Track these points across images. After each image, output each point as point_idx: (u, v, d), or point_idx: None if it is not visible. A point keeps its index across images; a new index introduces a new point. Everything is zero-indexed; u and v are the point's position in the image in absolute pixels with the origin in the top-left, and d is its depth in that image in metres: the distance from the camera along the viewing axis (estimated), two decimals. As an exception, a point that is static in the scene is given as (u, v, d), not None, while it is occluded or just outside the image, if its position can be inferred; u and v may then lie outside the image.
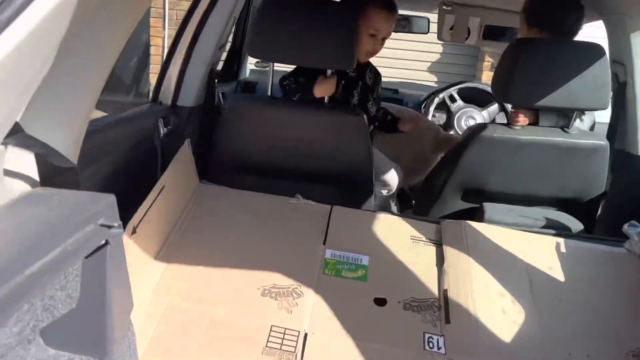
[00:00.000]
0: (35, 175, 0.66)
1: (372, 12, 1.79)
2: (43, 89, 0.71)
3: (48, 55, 0.58)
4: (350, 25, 1.54)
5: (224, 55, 3.23)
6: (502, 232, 1.49)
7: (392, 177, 2.18)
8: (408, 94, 3.11)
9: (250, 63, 3.33)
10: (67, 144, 0.75)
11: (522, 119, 1.68)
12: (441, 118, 3.08)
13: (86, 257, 0.67)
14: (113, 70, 0.86)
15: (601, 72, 1.53)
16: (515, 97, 1.56)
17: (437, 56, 6.83)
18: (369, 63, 2.02)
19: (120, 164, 1.45)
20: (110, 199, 0.68)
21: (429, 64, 6.85)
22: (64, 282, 0.65)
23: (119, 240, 0.70)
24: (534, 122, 1.70)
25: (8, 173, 0.60)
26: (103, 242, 0.63)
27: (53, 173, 0.68)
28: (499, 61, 1.65)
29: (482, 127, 1.66)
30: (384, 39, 1.87)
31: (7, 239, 0.51)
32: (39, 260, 0.51)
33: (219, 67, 2.98)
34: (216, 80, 2.95)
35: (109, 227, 0.65)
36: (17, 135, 0.57)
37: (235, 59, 3.00)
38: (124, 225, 1.14)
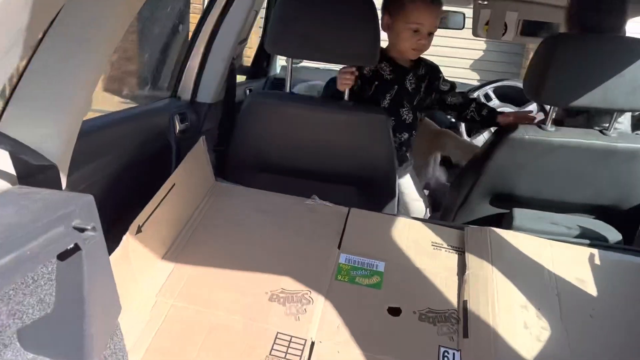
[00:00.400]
0: (11, 171, 0.63)
1: (411, 5, 1.65)
2: (28, 85, 0.68)
3: (20, 37, 0.54)
4: (372, 19, 1.47)
5: (250, 52, 3.22)
6: (530, 240, 1.40)
7: (418, 210, 2.07)
8: None
9: (281, 59, 3.30)
10: (53, 141, 0.72)
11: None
12: None
13: (61, 260, 0.64)
14: (149, 64, 0.82)
15: None
16: (548, 96, 1.46)
17: (480, 53, 6.63)
18: (416, 66, 1.85)
19: (132, 159, 1.44)
20: (87, 199, 0.64)
21: (471, 61, 6.65)
22: (33, 286, 0.61)
23: (97, 244, 0.66)
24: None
25: (-21, 170, 0.58)
26: (72, 245, 0.59)
27: (31, 171, 0.65)
28: (531, 57, 1.55)
29: (512, 127, 1.56)
30: (430, 34, 1.71)
31: None
32: None
33: (249, 63, 2.97)
34: (244, 77, 2.95)
35: (82, 229, 0.61)
36: (-15, 131, 0.54)
37: (264, 55, 2.98)
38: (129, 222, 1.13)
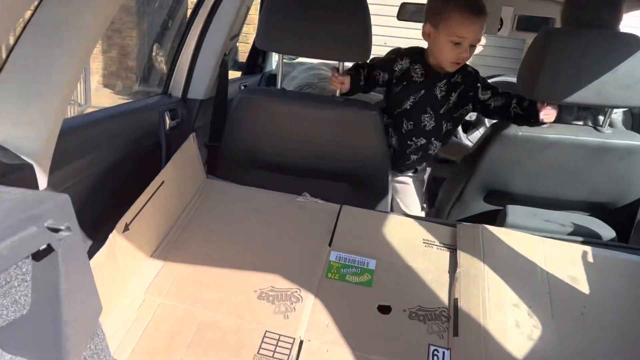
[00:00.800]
0: (-17, 171, 0.62)
1: (452, 17, 1.52)
2: (2, 84, 0.67)
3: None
4: (363, 15, 1.45)
5: (245, 48, 3.20)
6: (522, 237, 1.39)
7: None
8: None
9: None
10: (30, 140, 0.71)
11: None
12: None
13: (37, 261, 0.63)
14: (147, 58, 0.81)
15: (638, 66, 1.39)
16: (542, 92, 1.44)
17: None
18: (451, 73, 1.70)
19: (122, 157, 1.42)
20: (62, 199, 0.63)
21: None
22: (6, 287, 0.60)
23: (73, 244, 0.65)
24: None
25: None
26: (45, 246, 0.58)
27: (4, 170, 0.64)
28: (525, 53, 1.53)
29: (506, 124, 1.55)
30: (472, 46, 1.59)
31: None
32: None
33: (244, 59, 2.95)
34: (240, 73, 2.93)
35: (56, 230, 0.60)
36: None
37: (260, 51, 2.96)
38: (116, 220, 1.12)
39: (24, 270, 0.62)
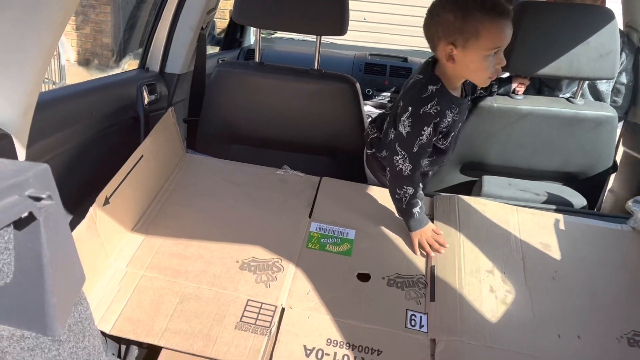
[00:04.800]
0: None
1: (485, 27, 1.23)
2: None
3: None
4: None
5: (223, 23, 3.16)
6: (497, 207, 1.43)
7: None
8: (418, 63, 3.00)
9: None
10: (6, 112, 0.70)
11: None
12: None
13: (18, 230, 0.64)
14: (122, 34, 0.80)
15: (608, 38, 1.43)
16: (516, 66, 1.47)
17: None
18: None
19: (100, 131, 1.41)
20: (42, 168, 0.63)
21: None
22: None
23: (55, 212, 0.66)
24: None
25: None
26: (27, 214, 0.59)
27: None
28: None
29: (480, 97, 1.57)
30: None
31: None
32: None
33: (222, 34, 2.92)
34: (218, 48, 2.90)
35: (37, 198, 0.61)
36: None
37: (238, 26, 2.93)
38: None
39: (6, 238, 0.63)
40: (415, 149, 1.32)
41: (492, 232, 1.35)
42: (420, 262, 1.29)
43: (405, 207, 1.35)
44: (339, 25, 1.47)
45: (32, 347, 0.69)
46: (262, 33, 3.19)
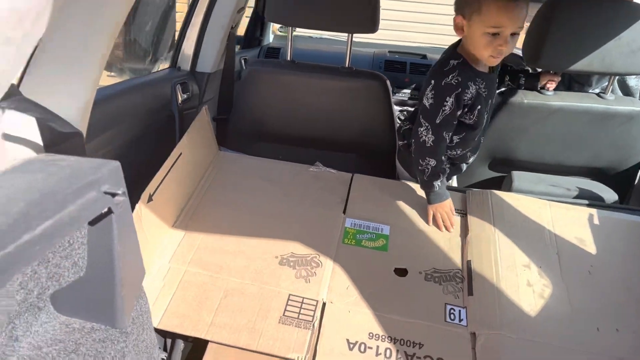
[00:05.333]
0: (38, 140, 0.64)
1: (484, 5, 1.28)
2: (44, 53, 0.68)
3: (44, 8, 0.54)
4: None
5: (245, 21, 3.18)
6: (530, 201, 1.43)
7: None
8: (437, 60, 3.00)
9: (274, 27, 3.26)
10: (72, 109, 0.72)
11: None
12: None
13: (92, 225, 0.66)
14: (134, 37, 0.83)
15: None
16: (547, 61, 1.47)
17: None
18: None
19: (138, 130, 1.43)
20: (114, 165, 0.65)
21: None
22: (69, 250, 0.63)
23: (125, 208, 0.68)
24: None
25: (8, 138, 0.58)
26: (106, 209, 0.61)
27: (58, 139, 0.66)
28: (531, 21, 1.55)
29: (512, 92, 1.58)
30: (513, 35, 1.30)
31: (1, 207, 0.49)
32: (34, 228, 0.49)
33: (242, 32, 2.94)
34: (238, 46, 2.92)
35: (113, 194, 0.63)
36: (14, 99, 0.55)
37: (258, 25, 2.94)
38: (140, 193, 1.14)
39: (82, 233, 0.65)
40: (438, 120, 1.37)
41: (526, 226, 1.36)
42: (456, 256, 1.30)
43: (426, 179, 1.41)
44: (371, 23, 1.48)
45: (103, 339, 0.72)
46: (281, 31, 3.22)
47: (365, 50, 2.96)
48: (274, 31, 3.22)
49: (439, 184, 1.40)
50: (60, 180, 0.60)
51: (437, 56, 2.98)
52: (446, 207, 1.39)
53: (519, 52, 2.72)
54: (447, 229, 1.37)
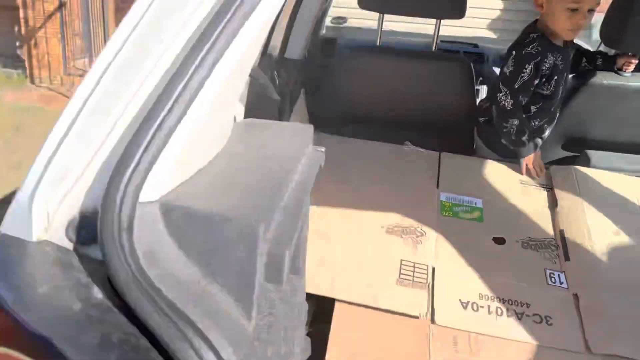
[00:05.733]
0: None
1: None
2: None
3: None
4: None
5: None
6: (612, 176, 1.51)
7: None
8: (489, 48, 3.06)
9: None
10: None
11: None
12: None
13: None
14: None
15: None
16: (630, 43, 1.54)
17: (497, 12, 6.55)
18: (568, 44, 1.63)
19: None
20: (310, 127, 0.75)
21: (489, 21, 6.58)
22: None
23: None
24: None
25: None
26: (322, 163, 0.71)
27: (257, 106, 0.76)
28: (611, 3, 1.61)
29: (590, 73, 1.65)
30: (590, 11, 1.46)
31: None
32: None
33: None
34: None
35: (321, 151, 0.73)
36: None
37: (314, 15, 3.02)
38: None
39: None
40: (516, 85, 1.54)
41: (612, 199, 1.44)
42: (548, 226, 1.38)
43: (514, 138, 1.58)
44: (459, 8, 1.57)
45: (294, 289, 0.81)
46: (334, 22, 3.29)
47: (417, 40, 3.03)
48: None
49: (527, 138, 1.56)
50: (292, 140, 0.70)
51: (490, 45, 3.05)
52: (537, 157, 1.57)
53: (581, 44, 2.77)
54: (539, 174, 1.54)
